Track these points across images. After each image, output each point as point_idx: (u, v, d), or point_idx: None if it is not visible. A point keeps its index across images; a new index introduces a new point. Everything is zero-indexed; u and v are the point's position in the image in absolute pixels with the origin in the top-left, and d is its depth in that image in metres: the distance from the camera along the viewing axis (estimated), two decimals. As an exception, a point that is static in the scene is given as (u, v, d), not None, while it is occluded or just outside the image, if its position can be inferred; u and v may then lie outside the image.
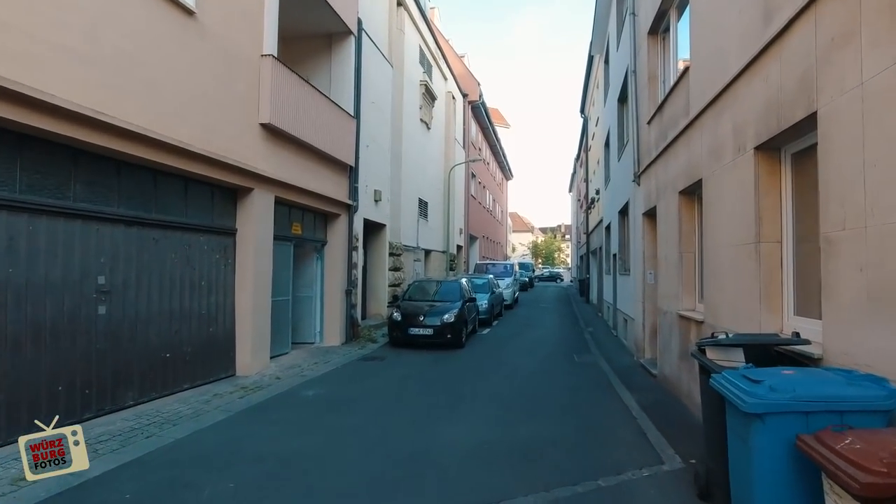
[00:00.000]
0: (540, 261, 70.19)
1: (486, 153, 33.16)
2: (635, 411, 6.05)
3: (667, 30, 7.91)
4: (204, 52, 6.50)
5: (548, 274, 52.83)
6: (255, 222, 7.69)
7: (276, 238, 8.29)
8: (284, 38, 9.64)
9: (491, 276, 18.93)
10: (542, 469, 4.29)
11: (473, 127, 28.09)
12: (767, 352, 3.39)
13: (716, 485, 3.47)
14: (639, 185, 9.49)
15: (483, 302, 14.65)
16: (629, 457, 4.56)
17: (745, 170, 4.37)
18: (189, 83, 6.22)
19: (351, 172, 11.07)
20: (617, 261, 13.67)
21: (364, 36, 11.53)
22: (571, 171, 42.48)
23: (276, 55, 7.90)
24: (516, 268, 26.63)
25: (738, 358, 3.30)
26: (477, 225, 30.28)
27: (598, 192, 19.66)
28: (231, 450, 4.68)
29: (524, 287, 30.74)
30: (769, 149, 4.12)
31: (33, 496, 3.63)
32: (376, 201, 13.04)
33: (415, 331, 10.59)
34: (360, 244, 12.11)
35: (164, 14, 5.86)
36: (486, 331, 13.73)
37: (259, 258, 7.77)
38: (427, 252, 19.56)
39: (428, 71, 18.98)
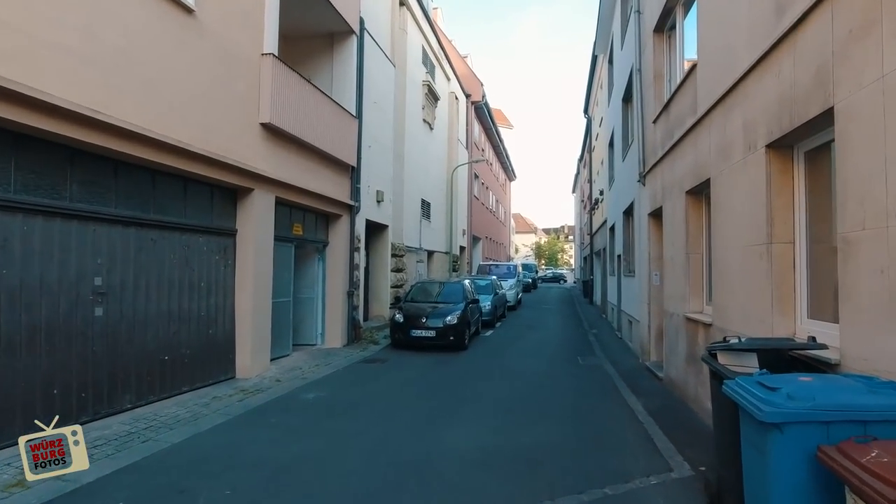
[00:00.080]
0: (543, 262, 70.03)
1: (489, 154, 33.11)
2: (642, 416, 5.94)
3: (673, 27, 7.80)
4: (203, 50, 6.42)
5: (551, 275, 52.80)
6: (256, 223, 7.60)
7: (276, 239, 8.21)
8: (286, 37, 9.56)
9: (494, 277, 18.83)
10: (547, 476, 4.19)
11: (476, 127, 28.02)
12: (781, 357, 3.28)
13: (728, 493, 3.34)
14: (644, 185, 9.38)
15: (486, 303, 14.52)
16: (636, 463, 4.44)
17: (756, 168, 4.25)
18: (188, 82, 6.15)
19: (353, 173, 10.98)
20: (621, 262, 13.53)
21: (366, 35, 11.45)
22: (575, 171, 42.40)
23: (276, 54, 7.82)
24: (519, 269, 26.60)
25: (751, 363, 3.19)
26: (480, 226, 30.19)
27: (601, 193, 19.52)
28: (229, 455, 4.59)
29: (527, 288, 30.67)
30: (781, 146, 4.01)
31: (25, 503, 3.55)
32: (378, 202, 12.96)
33: (417, 332, 10.47)
34: (362, 245, 12.03)
35: (164, 12, 5.78)
36: (490, 332, 13.61)
37: (259, 259, 7.68)
38: (430, 253, 19.48)
39: (431, 71, 18.90)
